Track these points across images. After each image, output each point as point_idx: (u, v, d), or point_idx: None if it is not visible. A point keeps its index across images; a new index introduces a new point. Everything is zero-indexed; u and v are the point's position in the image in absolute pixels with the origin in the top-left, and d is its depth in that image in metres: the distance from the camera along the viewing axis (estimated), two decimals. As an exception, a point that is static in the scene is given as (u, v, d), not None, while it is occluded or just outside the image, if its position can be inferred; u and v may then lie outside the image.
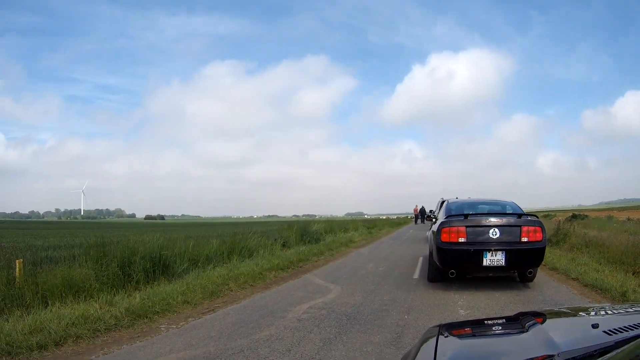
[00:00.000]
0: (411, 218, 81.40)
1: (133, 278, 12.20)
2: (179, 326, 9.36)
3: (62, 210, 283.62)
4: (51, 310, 9.17)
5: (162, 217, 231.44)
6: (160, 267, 13.27)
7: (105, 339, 8.46)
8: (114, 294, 10.77)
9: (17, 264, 10.36)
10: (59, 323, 8.44)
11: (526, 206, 16.97)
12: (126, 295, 10.89)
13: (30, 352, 7.48)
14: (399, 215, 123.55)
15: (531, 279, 12.73)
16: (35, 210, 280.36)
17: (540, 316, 3.06)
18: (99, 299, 10.22)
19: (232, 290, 12.74)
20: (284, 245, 22.63)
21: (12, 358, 7.30)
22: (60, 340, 7.98)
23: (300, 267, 17.76)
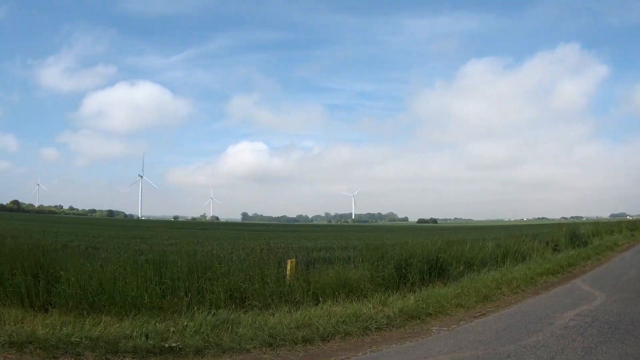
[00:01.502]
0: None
1: (408, 280, 12.41)
2: (450, 329, 9.30)
3: (333, 214, 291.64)
4: (321, 308, 9.65)
5: (434, 221, 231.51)
6: (436, 270, 13.35)
7: (374, 337, 8.65)
8: (388, 295, 11.01)
9: (289, 263, 11.03)
10: (329, 320, 8.83)
11: None
12: (400, 296, 11.07)
13: (294, 345, 7.91)
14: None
15: None
16: (303, 214, 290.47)
17: None
18: (372, 299, 10.52)
19: (504, 295, 12.39)
20: (554, 249, 21.65)
21: (273, 349, 7.75)
22: (327, 336, 8.33)
23: (569, 272, 16.94)
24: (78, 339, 7.28)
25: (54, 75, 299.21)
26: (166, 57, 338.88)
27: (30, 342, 7.12)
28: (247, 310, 9.57)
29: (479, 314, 10.57)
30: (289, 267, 10.99)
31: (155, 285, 9.70)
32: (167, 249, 12.89)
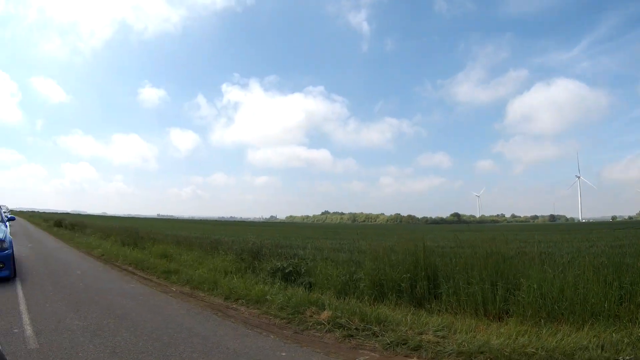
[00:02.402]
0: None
1: None
2: None
3: None
4: None
5: None
6: None
7: None
8: None
9: None
10: None
11: None
12: None
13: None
14: None
15: None
16: None
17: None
18: None
19: None
20: None
21: None
22: None
23: None
24: (533, 350, 7.22)
25: (468, 90, 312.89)
26: (568, 50, 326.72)
27: (482, 352, 7.28)
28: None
29: None
30: None
31: (614, 290, 9.09)
32: (615, 251, 12.09)
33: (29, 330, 8.36)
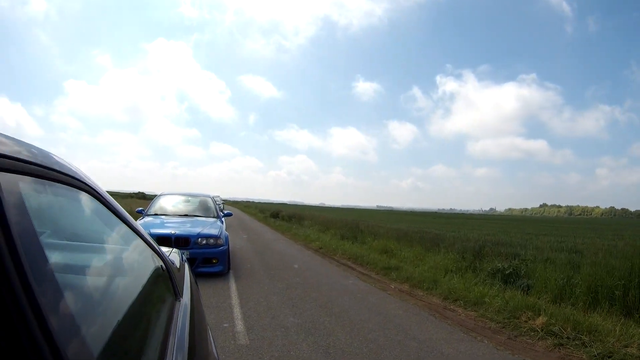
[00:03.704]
0: None
1: None
2: None
3: None
4: None
5: None
6: None
7: None
8: None
9: None
10: None
11: None
12: None
13: None
14: None
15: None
16: None
17: None
18: None
19: None
20: None
21: None
22: None
23: None
24: None
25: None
26: None
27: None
28: None
29: None
30: None
31: None
32: None
33: (239, 325, 8.78)
